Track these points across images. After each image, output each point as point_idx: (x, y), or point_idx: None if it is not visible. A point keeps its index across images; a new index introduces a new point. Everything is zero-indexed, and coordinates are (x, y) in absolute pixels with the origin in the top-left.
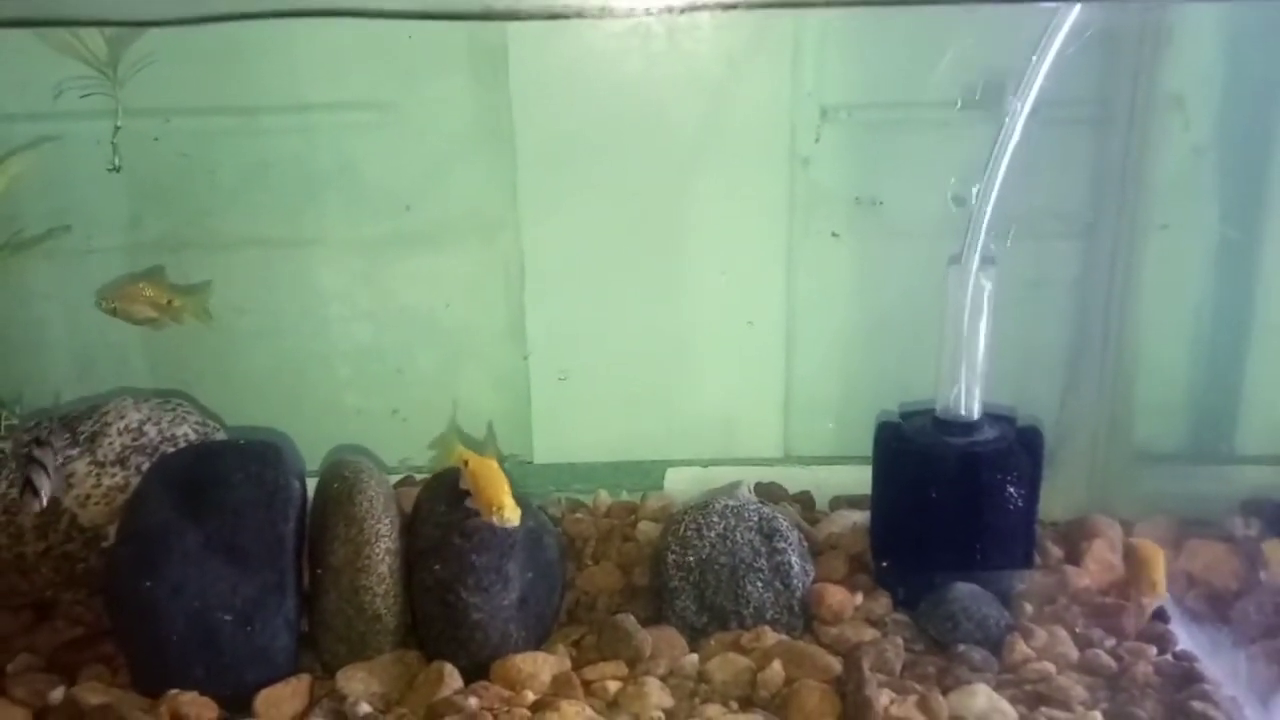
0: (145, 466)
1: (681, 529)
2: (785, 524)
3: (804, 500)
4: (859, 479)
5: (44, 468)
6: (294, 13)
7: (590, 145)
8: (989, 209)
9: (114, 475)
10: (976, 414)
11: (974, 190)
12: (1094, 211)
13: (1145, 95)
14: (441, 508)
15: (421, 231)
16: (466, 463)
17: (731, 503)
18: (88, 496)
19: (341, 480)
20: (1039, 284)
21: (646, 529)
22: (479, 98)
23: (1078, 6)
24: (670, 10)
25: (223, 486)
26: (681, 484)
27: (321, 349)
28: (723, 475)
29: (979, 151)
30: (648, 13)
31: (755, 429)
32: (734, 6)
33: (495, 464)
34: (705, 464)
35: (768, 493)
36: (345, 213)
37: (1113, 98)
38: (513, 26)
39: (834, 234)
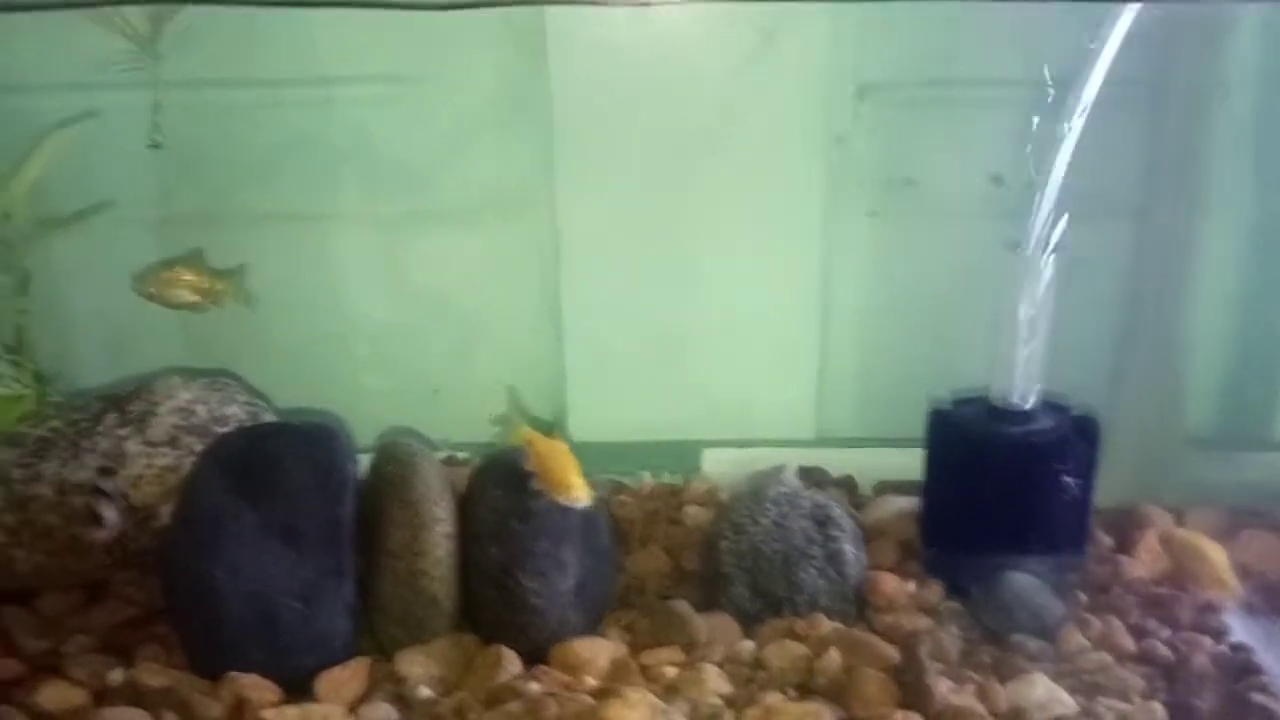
0: (196, 447)
1: (735, 515)
2: (838, 512)
3: (847, 484)
4: (894, 461)
5: (110, 498)
6: (323, 3)
7: (625, 122)
8: (1051, 195)
9: (165, 456)
10: (1032, 403)
11: (1034, 174)
12: (1146, 193)
13: (1201, 76)
14: (497, 491)
15: (454, 208)
16: (531, 443)
17: (784, 490)
18: (140, 477)
19: (396, 463)
20: (1088, 265)
21: (694, 513)
22: (516, 73)
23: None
24: None
25: (279, 469)
26: (720, 466)
27: (356, 327)
28: (759, 457)
29: (1019, 130)
30: None
31: (788, 410)
32: None
33: (563, 444)
34: (741, 445)
35: (810, 477)
36: (376, 189)
37: (1168, 78)
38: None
39: (871, 213)
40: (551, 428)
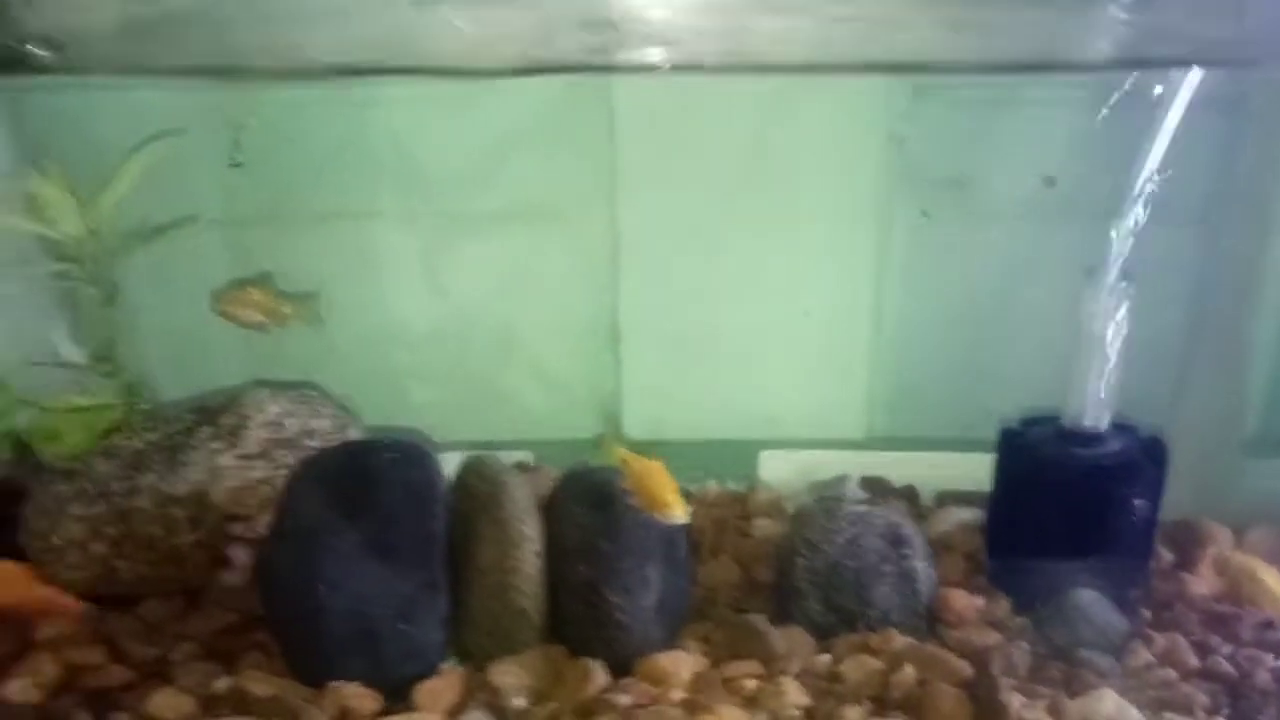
0: (287, 459)
1: (810, 533)
2: (910, 531)
3: (908, 494)
4: (947, 465)
5: (240, 541)
6: (396, 70)
7: (684, 123)
8: (1133, 222)
9: (257, 468)
10: (1104, 426)
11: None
12: (1212, 203)
13: (1273, 86)
14: (583, 509)
15: (513, 209)
16: (627, 462)
17: (859, 509)
18: (236, 490)
19: (485, 481)
20: (1150, 275)
21: (762, 525)
22: (582, 82)
23: None
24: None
25: (376, 487)
26: (779, 472)
27: (407, 329)
28: (814, 460)
29: (1073, 130)
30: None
31: (839, 411)
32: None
33: (658, 463)
34: (797, 447)
35: (872, 487)
36: (432, 189)
37: (1238, 89)
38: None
39: (924, 213)
40: (648, 448)
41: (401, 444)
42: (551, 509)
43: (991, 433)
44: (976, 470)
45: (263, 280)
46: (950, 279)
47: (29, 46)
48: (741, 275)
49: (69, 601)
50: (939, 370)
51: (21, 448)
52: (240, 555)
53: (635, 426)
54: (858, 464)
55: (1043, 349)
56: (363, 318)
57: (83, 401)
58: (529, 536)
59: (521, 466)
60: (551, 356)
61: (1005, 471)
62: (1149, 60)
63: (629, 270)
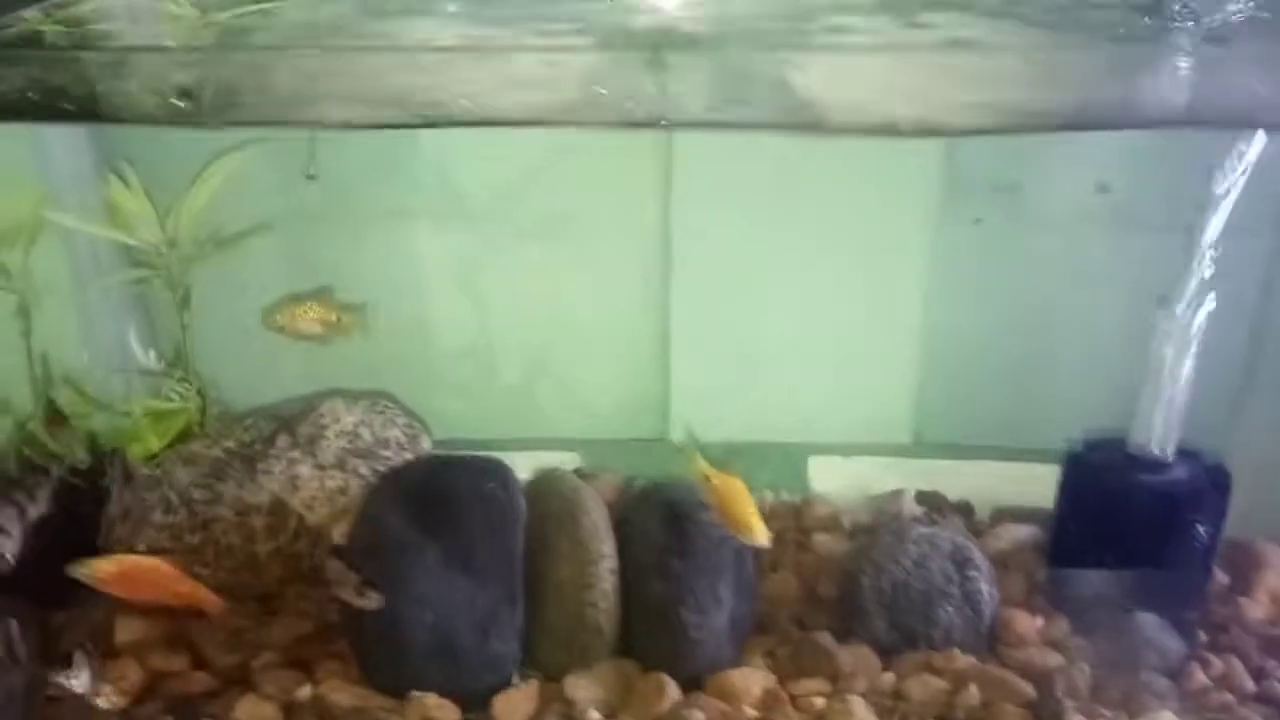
0: (361, 469)
1: (876, 554)
2: (977, 554)
3: (964, 509)
4: (998, 475)
5: (375, 588)
6: (458, 123)
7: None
8: (1207, 250)
9: (334, 478)
10: (1171, 453)
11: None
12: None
13: None
14: (657, 527)
15: (566, 210)
16: (710, 479)
17: (926, 530)
18: (313, 498)
19: (562, 499)
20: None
21: (822, 540)
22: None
23: None
24: None
25: (458, 503)
26: (829, 481)
27: (470, 329)
28: (863, 467)
29: (1128, 135)
30: None
31: (888, 415)
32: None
33: (741, 484)
34: (846, 453)
35: (928, 501)
36: (484, 190)
37: None
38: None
39: (976, 220)
40: (727, 464)
41: (481, 460)
42: (626, 524)
43: (1040, 441)
44: (1028, 480)
45: (320, 294)
46: (1001, 286)
47: (173, 100)
48: (791, 278)
49: (213, 597)
50: (988, 377)
51: (98, 450)
52: (376, 594)
53: (682, 427)
54: (908, 472)
55: (1093, 358)
56: (418, 321)
57: (157, 405)
58: (605, 554)
59: (580, 474)
60: (600, 358)
61: (1069, 495)
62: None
63: (680, 272)
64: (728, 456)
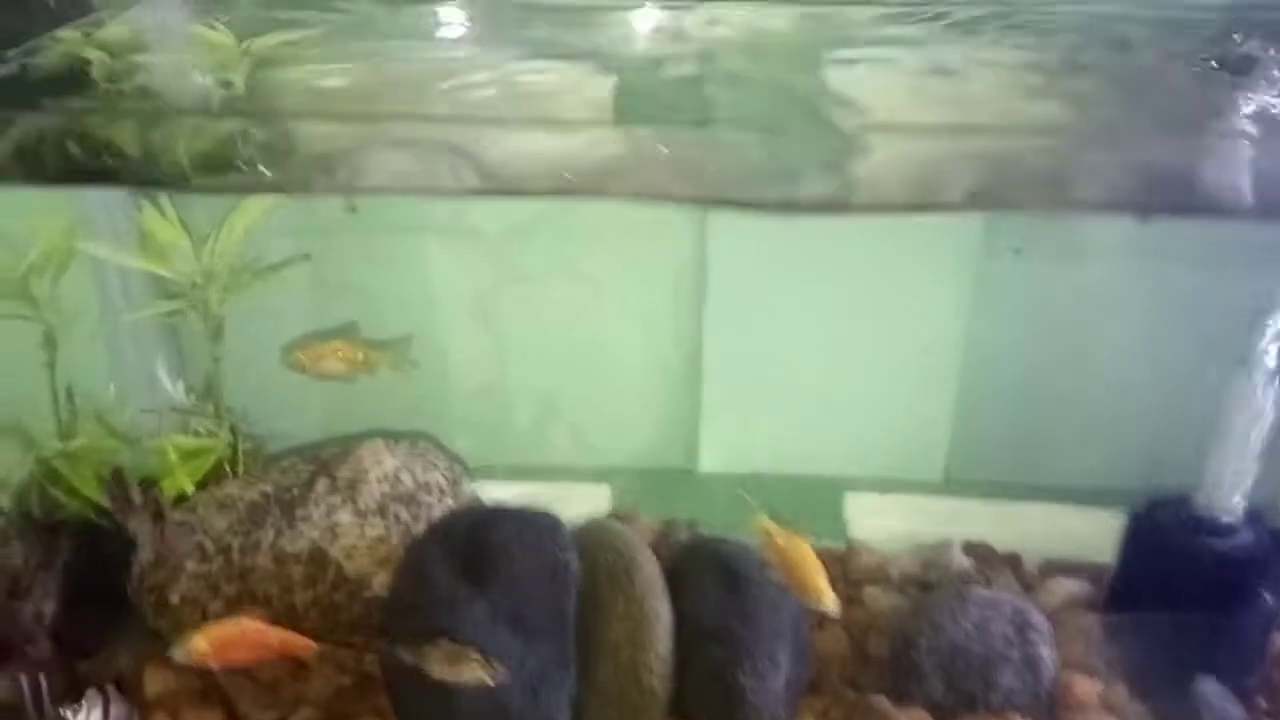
0: (403, 515)
1: (936, 615)
2: (1038, 617)
3: (1012, 562)
4: (1035, 518)
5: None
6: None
7: None
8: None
9: (375, 525)
10: (1238, 516)
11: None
12: None
13: None
14: (714, 588)
15: (599, 232)
16: (773, 538)
17: (986, 594)
18: (353, 548)
19: (616, 555)
20: None
21: (873, 594)
22: None
23: None
24: None
25: (507, 559)
26: (868, 521)
27: (500, 356)
28: (901, 505)
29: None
30: None
31: (923, 451)
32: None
33: (807, 545)
34: (881, 489)
35: (977, 553)
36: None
37: None
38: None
39: (1016, 250)
40: (792, 523)
41: (531, 513)
42: (679, 581)
43: (1081, 480)
44: (1072, 523)
45: (347, 332)
46: (1040, 318)
47: (260, 166)
48: (826, 307)
49: (304, 641)
50: (1026, 413)
51: (125, 488)
52: (501, 668)
53: (713, 458)
54: (946, 512)
55: (1134, 393)
56: (447, 353)
57: (188, 442)
58: (661, 614)
59: (617, 516)
60: (631, 388)
61: (1132, 555)
62: None
63: (715, 300)
64: (759, 488)
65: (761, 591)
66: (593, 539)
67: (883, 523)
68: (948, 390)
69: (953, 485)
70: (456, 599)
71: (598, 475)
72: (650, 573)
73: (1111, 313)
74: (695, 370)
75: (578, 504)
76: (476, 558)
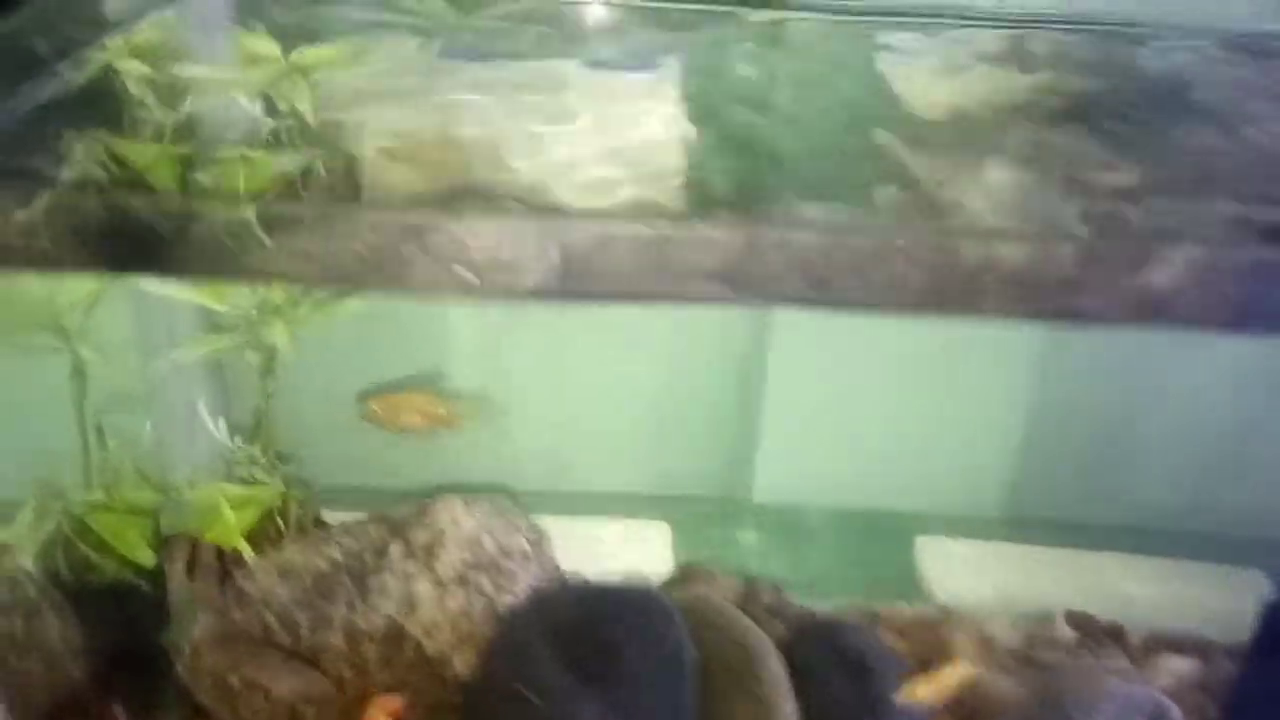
0: (484, 585)
1: (1070, 707)
2: (1175, 712)
3: (1114, 633)
4: (1110, 567)
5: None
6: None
7: None
8: None
9: (455, 597)
10: None
11: None
12: None
13: None
14: (838, 677)
15: None
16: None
17: (1121, 687)
18: (434, 623)
19: (733, 645)
20: None
21: (984, 678)
22: None
23: None
24: None
25: (620, 647)
26: (944, 574)
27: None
28: (973, 552)
29: None
30: None
31: (988, 491)
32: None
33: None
34: (955, 534)
35: (1079, 624)
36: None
37: None
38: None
39: None
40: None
41: (641, 594)
42: (799, 668)
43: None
44: (1153, 575)
45: (426, 388)
46: (1101, 357)
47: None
48: (886, 341)
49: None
50: (1091, 456)
51: (162, 543)
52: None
53: (770, 490)
54: (1022, 558)
55: (1195, 430)
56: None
57: (235, 490)
58: (788, 714)
59: (689, 570)
60: (690, 415)
61: (1266, 646)
62: None
63: (777, 336)
64: (822, 521)
65: (891, 684)
66: (700, 619)
67: (958, 569)
68: (1013, 428)
69: (1020, 523)
70: (563, 691)
71: (651, 505)
72: (776, 671)
73: (1170, 351)
74: (757, 401)
75: (638, 544)
76: (583, 643)
